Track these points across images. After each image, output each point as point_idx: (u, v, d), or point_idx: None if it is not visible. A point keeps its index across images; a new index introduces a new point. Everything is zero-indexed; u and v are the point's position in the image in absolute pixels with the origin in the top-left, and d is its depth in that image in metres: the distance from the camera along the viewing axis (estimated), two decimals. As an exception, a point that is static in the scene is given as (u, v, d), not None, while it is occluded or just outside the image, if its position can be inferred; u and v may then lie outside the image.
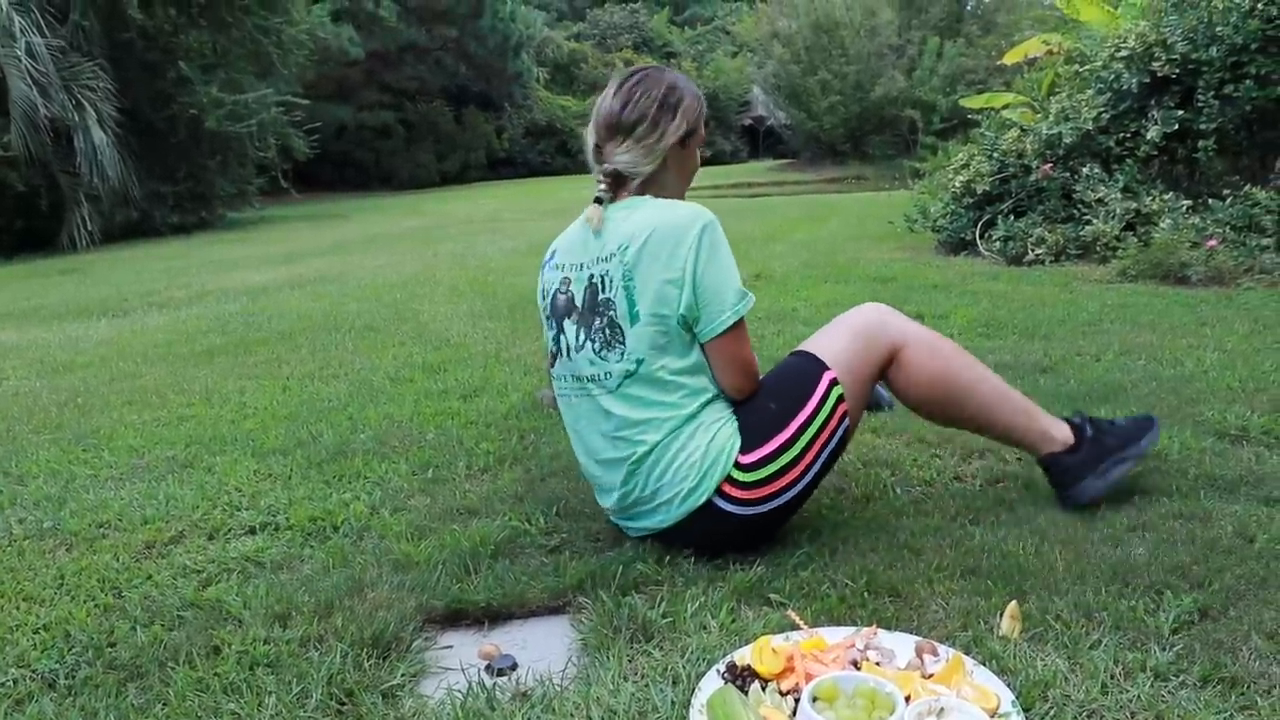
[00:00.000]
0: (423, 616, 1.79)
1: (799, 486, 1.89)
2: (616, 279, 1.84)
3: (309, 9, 18.30)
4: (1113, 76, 6.19)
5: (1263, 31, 5.59)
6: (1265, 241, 5.28)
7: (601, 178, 1.92)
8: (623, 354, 1.85)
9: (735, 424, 1.90)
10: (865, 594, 1.75)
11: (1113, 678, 1.44)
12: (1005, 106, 8.07)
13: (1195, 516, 2.01)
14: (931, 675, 1.44)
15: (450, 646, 1.74)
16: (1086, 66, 6.47)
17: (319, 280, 7.49)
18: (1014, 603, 1.66)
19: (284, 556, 2.09)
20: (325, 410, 3.32)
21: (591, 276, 1.88)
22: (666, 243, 1.83)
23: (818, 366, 1.90)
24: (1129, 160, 6.05)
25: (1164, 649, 1.50)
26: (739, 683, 1.44)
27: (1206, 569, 1.75)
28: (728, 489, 1.86)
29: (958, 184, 7.00)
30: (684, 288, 1.82)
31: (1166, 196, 5.80)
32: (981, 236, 6.70)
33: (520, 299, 5.68)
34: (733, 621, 1.70)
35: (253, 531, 2.26)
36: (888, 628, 1.61)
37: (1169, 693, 1.40)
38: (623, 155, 1.90)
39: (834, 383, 1.89)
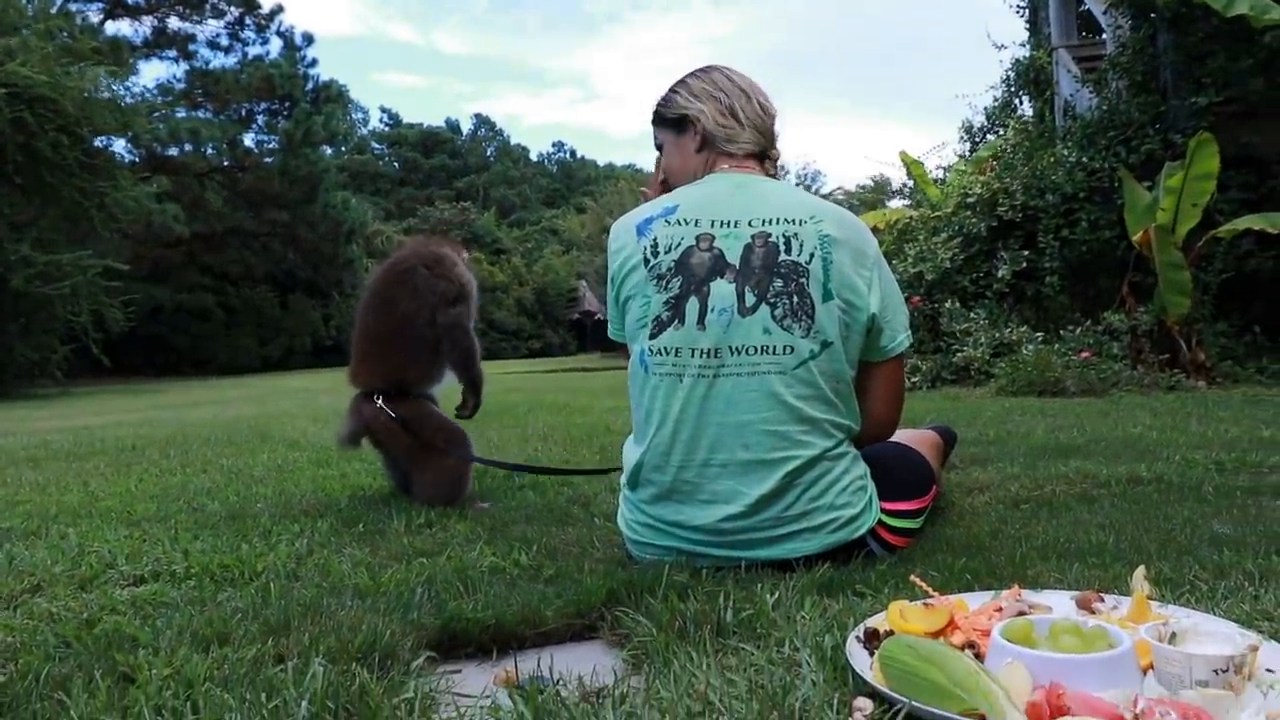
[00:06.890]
0: (412, 638, 1.34)
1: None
2: (812, 245, 1.60)
3: (134, 184, 17.36)
4: (960, 224, 6.72)
5: (1088, 183, 6.27)
6: (1117, 366, 5.66)
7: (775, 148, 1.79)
8: (809, 329, 1.58)
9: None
10: (967, 576, 1.47)
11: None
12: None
13: (1249, 506, 1.88)
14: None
15: (459, 670, 1.30)
16: (936, 213, 6.99)
17: (148, 423, 6.64)
18: (1142, 566, 1.42)
19: (194, 599, 1.57)
20: (200, 492, 2.73)
21: (767, 236, 1.61)
22: (856, 234, 1.65)
23: (931, 477, 1.85)
24: (987, 296, 6.46)
25: (1339, 592, 1.30)
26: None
27: (1309, 536, 1.60)
28: (882, 531, 1.67)
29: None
30: (873, 287, 1.64)
31: (1022, 329, 6.19)
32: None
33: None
34: (822, 614, 1.36)
35: (141, 581, 1.71)
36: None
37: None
38: None
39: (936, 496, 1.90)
